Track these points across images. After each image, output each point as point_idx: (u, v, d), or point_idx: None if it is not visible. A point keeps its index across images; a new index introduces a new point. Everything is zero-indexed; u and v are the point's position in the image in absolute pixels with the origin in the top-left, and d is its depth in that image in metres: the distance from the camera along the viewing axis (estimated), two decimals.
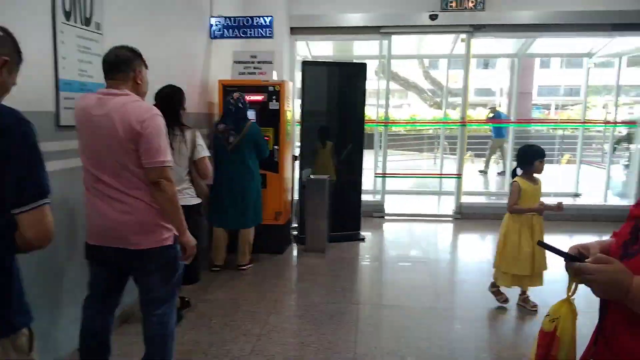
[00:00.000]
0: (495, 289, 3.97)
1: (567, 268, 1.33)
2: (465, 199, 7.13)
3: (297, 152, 5.96)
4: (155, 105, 2.58)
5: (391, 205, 7.36)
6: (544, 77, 26.38)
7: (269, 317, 3.70)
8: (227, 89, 4.89)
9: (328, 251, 5.30)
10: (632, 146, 7.78)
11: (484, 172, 11.38)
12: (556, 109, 26.31)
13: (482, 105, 20.97)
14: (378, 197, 7.15)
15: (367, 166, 6.58)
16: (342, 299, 4.05)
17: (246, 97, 4.64)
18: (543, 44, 8.23)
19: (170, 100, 3.35)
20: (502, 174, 10.72)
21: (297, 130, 6.27)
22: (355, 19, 6.61)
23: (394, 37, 6.79)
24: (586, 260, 1.25)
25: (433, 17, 6.37)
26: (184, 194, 3.36)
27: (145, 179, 2.24)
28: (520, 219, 3.77)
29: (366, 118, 6.26)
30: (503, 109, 19.94)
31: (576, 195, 8.24)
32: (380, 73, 8.62)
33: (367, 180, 7.09)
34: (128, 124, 2.16)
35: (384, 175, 7.08)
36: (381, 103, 7.52)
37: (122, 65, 2.27)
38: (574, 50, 9.01)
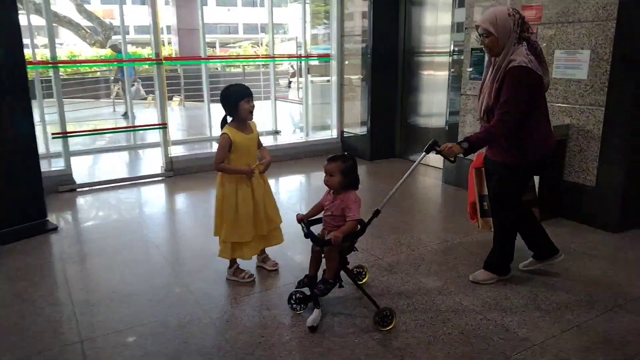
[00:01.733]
0: (234, 267, 3.22)
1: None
2: (174, 152, 6.04)
3: None
4: None
5: (80, 171, 5.67)
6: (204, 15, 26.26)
7: None
8: None
9: (1, 259, 3.51)
10: (302, 80, 7.91)
11: (127, 115, 10.43)
12: (220, 47, 26.82)
13: (145, 43, 19.26)
14: (61, 165, 5.32)
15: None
16: (52, 339, 2.57)
17: None
18: None
19: None
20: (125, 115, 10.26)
21: None
22: None
23: None
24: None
25: None
26: None
27: None
28: (235, 176, 3.06)
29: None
30: (174, 48, 19.05)
31: (277, 132, 8.15)
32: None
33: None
34: None
35: (65, 135, 5.26)
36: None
37: None
38: None
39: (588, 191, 3.99)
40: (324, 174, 2.74)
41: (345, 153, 2.81)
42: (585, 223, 4.02)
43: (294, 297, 2.81)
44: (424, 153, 2.85)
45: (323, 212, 2.82)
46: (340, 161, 2.71)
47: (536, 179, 3.93)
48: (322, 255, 2.79)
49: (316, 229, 2.79)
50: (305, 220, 2.77)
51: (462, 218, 4.33)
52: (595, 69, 3.84)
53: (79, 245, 3.96)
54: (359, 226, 2.69)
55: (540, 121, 2.79)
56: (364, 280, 3.11)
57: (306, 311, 2.77)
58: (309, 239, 2.68)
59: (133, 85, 10.91)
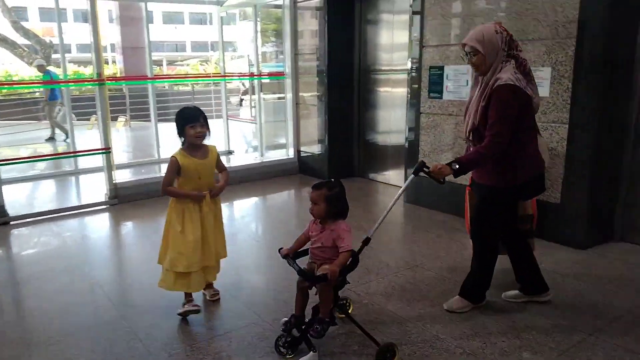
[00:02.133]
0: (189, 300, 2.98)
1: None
2: (120, 177, 5.63)
3: None
4: None
5: (14, 202, 5.18)
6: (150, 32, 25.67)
7: None
8: None
9: None
10: (254, 97, 7.62)
11: (52, 139, 10.31)
12: (168, 65, 26.18)
13: (88, 62, 18.50)
14: None
15: None
16: None
17: None
18: None
19: None
20: (51, 139, 10.23)
21: None
22: None
23: None
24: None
25: None
26: None
27: None
28: (183, 200, 2.89)
29: None
30: (119, 66, 18.35)
31: (230, 152, 7.86)
32: None
33: None
34: None
35: None
36: None
37: None
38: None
39: (553, 208, 3.94)
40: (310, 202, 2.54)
41: (331, 179, 2.61)
42: (551, 240, 3.95)
43: (281, 341, 2.54)
44: (412, 176, 2.73)
45: (310, 243, 2.59)
46: (325, 188, 2.51)
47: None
48: (310, 292, 2.57)
49: (301, 262, 2.54)
50: (290, 255, 2.53)
51: (426, 239, 4.20)
52: (557, 86, 3.82)
53: (11, 288, 3.52)
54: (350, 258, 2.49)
55: (529, 143, 2.66)
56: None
57: (297, 356, 2.48)
58: (299, 275, 2.44)
59: (60, 109, 10.25)
